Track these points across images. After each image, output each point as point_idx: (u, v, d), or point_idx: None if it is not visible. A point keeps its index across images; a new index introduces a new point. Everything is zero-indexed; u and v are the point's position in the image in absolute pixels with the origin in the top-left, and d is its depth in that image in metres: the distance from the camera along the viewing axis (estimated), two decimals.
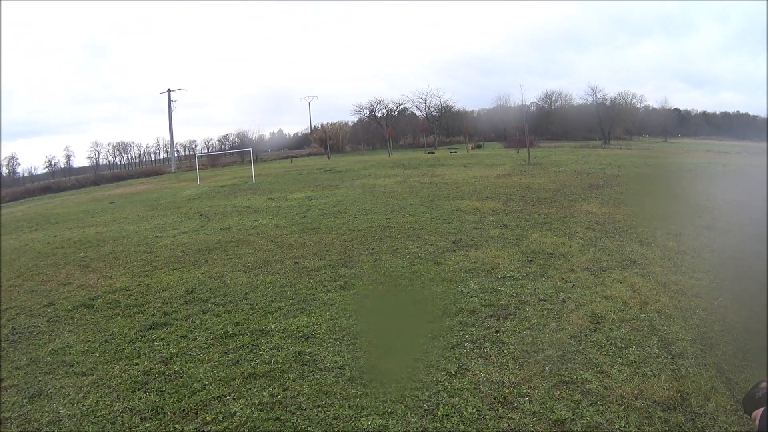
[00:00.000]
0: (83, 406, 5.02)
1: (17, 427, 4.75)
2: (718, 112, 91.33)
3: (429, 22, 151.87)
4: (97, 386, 5.42)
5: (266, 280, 8.80)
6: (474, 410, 4.45)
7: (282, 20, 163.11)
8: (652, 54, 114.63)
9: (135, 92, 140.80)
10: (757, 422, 1.91)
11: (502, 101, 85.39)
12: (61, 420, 4.79)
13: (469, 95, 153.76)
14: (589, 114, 75.06)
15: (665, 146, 58.27)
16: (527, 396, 4.63)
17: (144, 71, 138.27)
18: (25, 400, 5.24)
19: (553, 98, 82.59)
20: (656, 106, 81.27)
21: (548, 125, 75.01)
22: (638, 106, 78.79)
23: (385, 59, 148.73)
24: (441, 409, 4.50)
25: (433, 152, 48.39)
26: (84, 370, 5.85)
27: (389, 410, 4.55)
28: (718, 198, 15.23)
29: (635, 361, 5.16)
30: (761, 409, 1.91)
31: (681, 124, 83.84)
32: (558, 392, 4.66)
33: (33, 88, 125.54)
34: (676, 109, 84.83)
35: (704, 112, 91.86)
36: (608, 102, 76.35)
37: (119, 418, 4.74)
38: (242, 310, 7.40)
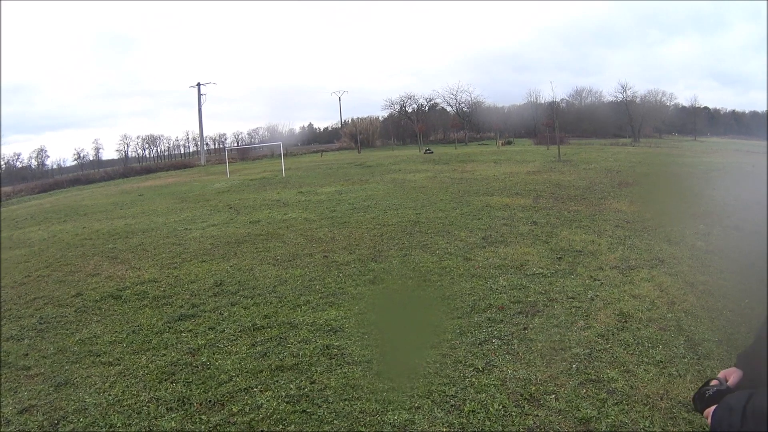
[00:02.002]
0: (109, 395, 5.08)
1: (43, 415, 4.81)
2: (747, 111, 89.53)
3: (461, 17, 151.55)
4: (124, 376, 5.49)
5: (295, 274, 8.83)
6: (500, 407, 4.41)
7: (313, 15, 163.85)
8: (684, 52, 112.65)
9: (164, 86, 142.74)
10: (709, 420, 1.90)
11: (532, 97, 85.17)
12: (86, 409, 4.85)
13: (500, 91, 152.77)
14: (619, 111, 74.33)
15: (695, 145, 57.28)
16: (553, 394, 4.58)
17: (173, 65, 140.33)
18: (51, 389, 5.32)
19: (584, 95, 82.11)
20: (686, 104, 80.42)
21: (578, 122, 74.24)
22: (668, 104, 78.00)
23: (417, 55, 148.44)
24: (467, 405, 4.46)
25: (431, 151, 47.98)
26: (111, 360, 5.93)
27: (416, 405, 4.52)
28: (746, 198, 14.91)
29: (661, 361, 5.08)
30: (712, 408, 1.89)
31: (710, 123, 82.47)
32: (584, 390, 4.60)
33: (61, 82, 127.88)
34: (706, 108, 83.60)
35: (733, 111, 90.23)
36: (638, 100, 75.74)
37: (145, 407, 4.79)
38: (271, 303, 7.43)
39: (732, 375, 2.03)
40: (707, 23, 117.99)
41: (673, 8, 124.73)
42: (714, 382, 1.99)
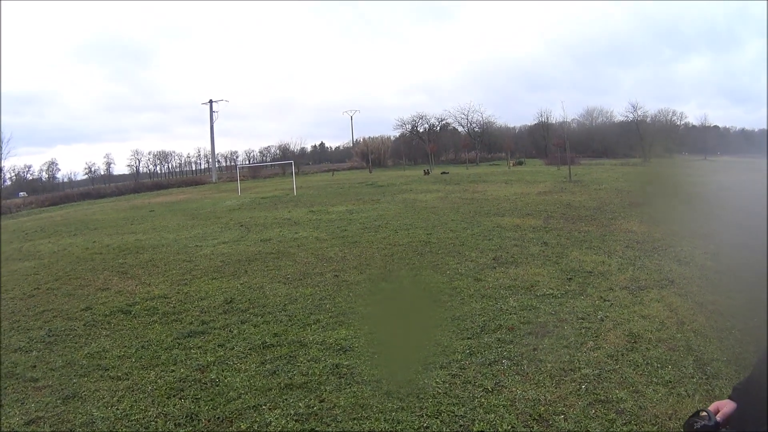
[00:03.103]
0: (117, 409, 5.10)
1: (50, 426, 4.85)
2: (756, 129, 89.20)
3: (474, 35, 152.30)
4: (132, 391, 5.51)
5: (305, 293, 8.85)
6: (509, 427, 4.41)
7: (325, 35, 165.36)
8: (697, 69, 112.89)
9: (176, 100, 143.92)
10: None
11: (543, 118, 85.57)
12: (94, 422, 4.87)
13: (512, 111, 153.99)
14: (629, 131, 74.34)
15: (705, 164, 57.03)
16: (562, 414, 4.57)
17: (186, 80, 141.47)
18: (59, 401, 5.35)
19: (594, 115, 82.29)
20: (696, 123, 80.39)
21: (589, 142, 74.33)
22: (678, 123, 78.00)
23: (429, 73, 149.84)
24: (476, 425, 4.45)
25: (428, 172, 48.02)
26: (119, 374, 5.96)
27: (425, 425, 4.51)
28: (756, 216, 14.84)
29: (670, 381, 5.07)
30: None
31: (721, 141, 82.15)
32: (593, 411, 4.60)
33: (72, 95, 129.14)
34: (716, 127, 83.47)
35: (743, 129, 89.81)
36: (648, 119, 75.83)
37: (153, 423, 4.80)
38: (281, 322, 7.45)
39: (724, 407, 2.03)
40: (720, 40, 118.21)
41: (687, 24, 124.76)
42: (703, 414, 2.00)
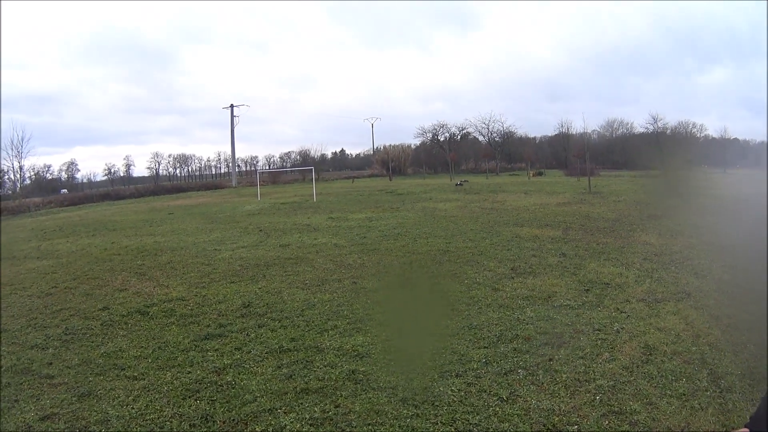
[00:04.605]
0: (132, 408, 5.17)
1: (65, 423, 4.92)
2: None
3: (494, 44, 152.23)
4: (148, 391, 5.57)
5: (323, 298, 8.89)
6: None
7: (346, 41, 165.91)
8: (719, 80, 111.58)
9: (195, 105, 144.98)
10: None
11: (564, 128, 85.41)
12: (109, 420, 4.94)
13: (532, 121, 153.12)
14: (649, 143, 73.93)
15: (724, 177, 56.43)
16: (576, 425, 4.57)
17: (205, 85, 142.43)
18: (74, 398, 5.44)
19: (615, 126, 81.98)
20: (715, 135, 79.63)
21: (609, 153, 73.98)
22: (698, 135, 77.42)
23: (449, 81, 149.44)
24: None
25: (464, 182, 47.49)
26: (135, 374, 6.03)
27: None
28: None
29: (684, 394, 5.06)
30: None
31: (741, 154, 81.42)
32: (606, 422, 4.59)
33: (90, 96, 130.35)
34: (735, 139, 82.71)
35: (764, 141, 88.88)
36: (668, 131, 75.26)
37: (168, 423, 4.86)
38: (298, 327, 7.49)
39: None
40: (743, 50, 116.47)
41: (710, 34, 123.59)
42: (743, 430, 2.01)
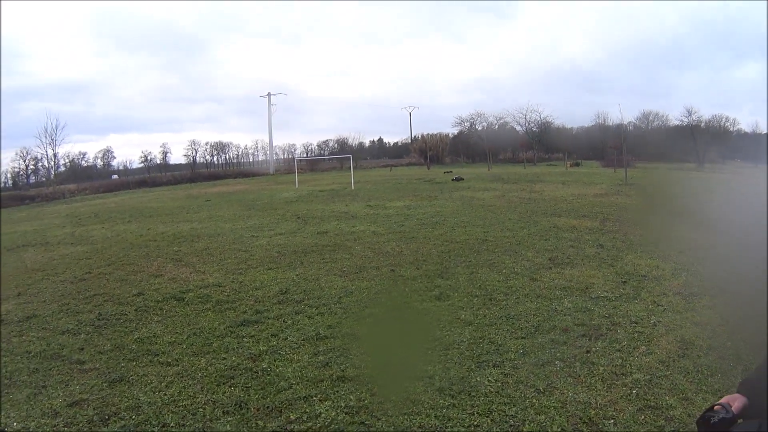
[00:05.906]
0: (165, 395, 5.13)
1: (93, 409, 4.89)
2: None
3: (531, 35, 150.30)
4: (181, 377, 5.53)
5: (361, 286, 8.82)
6: (559, 429, 4.32)
7: (383, 31, 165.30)
8: (752, 76, 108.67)
9: (230, 94, 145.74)
10: None
11: (600, 119, 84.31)
12: (140, 407, 4.90)
13: (569, 112, 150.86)
14: (684, 135, 72.75)
15: (756, 171, 55.29)
16: (612, 419, 4.47)
17: (239, 74, 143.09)
18: (105, 384, 5.42)
19: (650, 118, 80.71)
20: (748, 130, 78.27)
21: (645, 145, 72.95)
22: (731, 129, 76.12)
23: (486, 71, 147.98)
24: (526, 426, 4.38)
25: (458, 177, 45.71)
26: (169, 360, 6.01)
27: (475, 423, 4.45)
28: None
29: (719, 390, 4.91)
30: None
31: None
32: (642, 417, 4.49)
33: (123, 85, 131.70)
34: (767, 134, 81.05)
35: None
36: (702, 124, 74.07)
37: (201, 409, 4.80)
38: (335, 314, 7.43)
39: (735, 401, 2.10)
40: None
41: (745, 29, 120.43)
42: (718, 407, 2.05)
